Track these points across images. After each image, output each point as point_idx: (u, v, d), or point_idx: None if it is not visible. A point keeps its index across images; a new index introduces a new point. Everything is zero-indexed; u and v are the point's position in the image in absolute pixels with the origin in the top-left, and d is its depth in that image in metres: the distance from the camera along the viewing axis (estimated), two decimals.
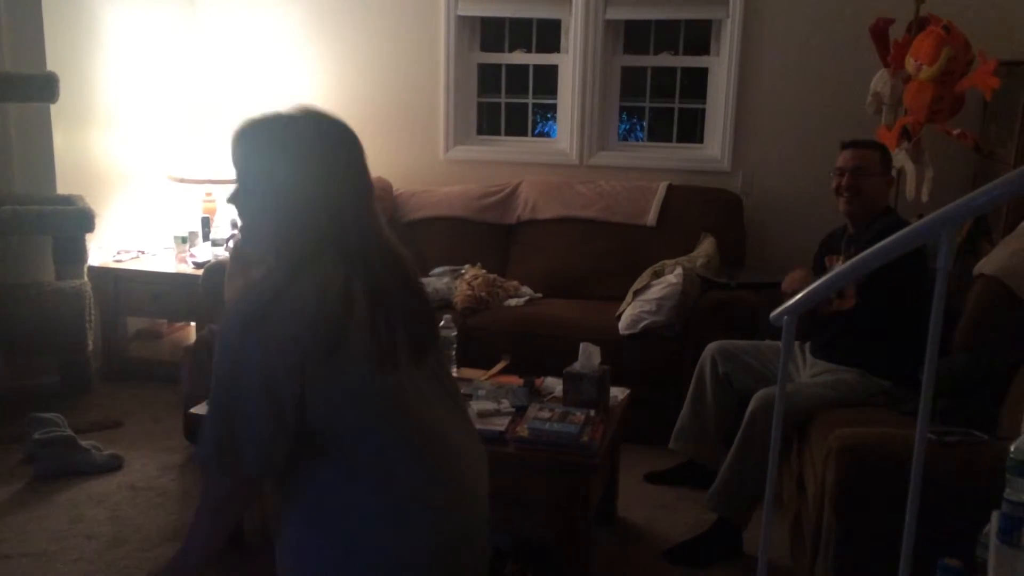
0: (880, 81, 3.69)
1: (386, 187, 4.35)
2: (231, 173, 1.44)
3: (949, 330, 2.71)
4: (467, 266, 4.08)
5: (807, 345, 3.02)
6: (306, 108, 1.42)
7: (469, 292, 3.82)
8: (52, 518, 2.94)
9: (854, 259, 1.62)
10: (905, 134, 3.60)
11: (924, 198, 3.53)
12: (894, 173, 3.60)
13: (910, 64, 3.49)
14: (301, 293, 1.31)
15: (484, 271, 4.03)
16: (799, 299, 1.80)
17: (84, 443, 3.31)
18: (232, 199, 1.43)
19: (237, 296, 1.35)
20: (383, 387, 1.36)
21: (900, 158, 3.60)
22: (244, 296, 1.38)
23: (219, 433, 1.32)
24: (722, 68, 4.30)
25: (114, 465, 3.32)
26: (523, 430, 2.48)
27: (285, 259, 1.37)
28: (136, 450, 3.46)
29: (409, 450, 1.39)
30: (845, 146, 2.94)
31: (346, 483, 1.37)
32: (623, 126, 4.86)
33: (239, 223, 1.46)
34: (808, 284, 2.91)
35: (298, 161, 1.37)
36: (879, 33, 3.63)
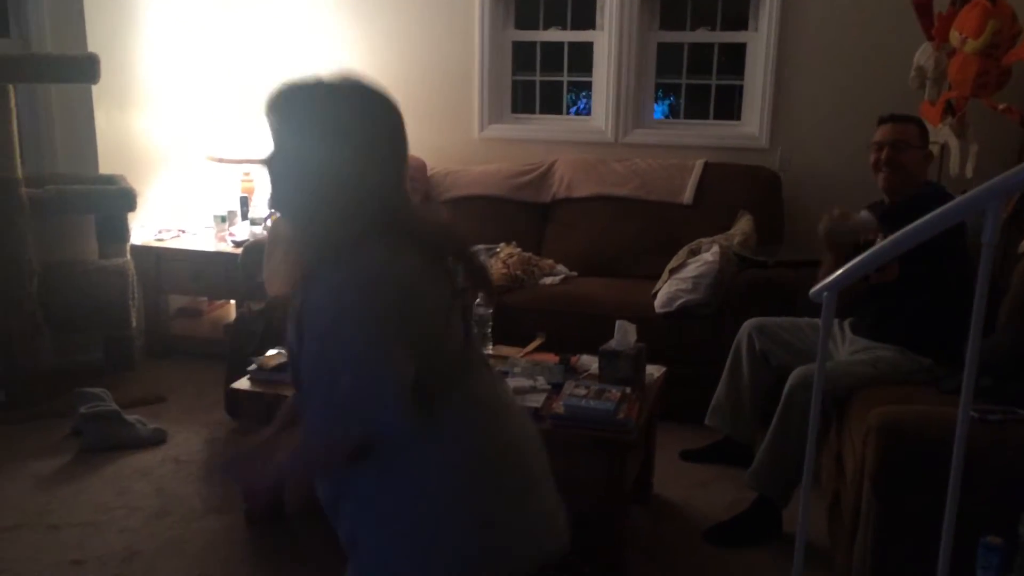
0: (923, 55, 3.62)
1: (420, 166, 4.35)
2: (268, 145, 1.41)
3: (993, 308, 2.67)
4: (502, 244, 4.09)
5: (847, 322, 2.99)
6: (348, 76, 1.37)
7: (504, 271, 3.82)
8: (98, 490, 3.01)
9: (898, 233, 1.59)
10: (949, 109, 3.53)
11: (968, 174, 3.47)
12: (938, 149, 3.55)
13: (955, 37, 3.41)
14: (380, 260, 1.31)
15: (519, 250, 4.03)
16: (839, 275, 1.78)
17: (129, 417, 3.38)
18: (267, 162, 1.40)
19: (309, 272, 1.34)
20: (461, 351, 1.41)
21: (944, 133, 3.53)
22: (325, 269, 1.33)
23: (343, 401, 1.31)
24: (760, 43, 4.24)
25: (158, 439, 3.39)
26: (559, 407, 2.49)
27: (338, 234, 1.34)
28: (179, 425, 3.53)
29: (484, 408, 1.45)
30: (883, 120, 2.91)
31: (427, 440, 1.38)
32: (665, 101, 4.82)
33: (271, 182, 1.42)
34: (846, 219, 2.88)
35: (340, 135, 1.33)
36: (923, 5, 3.56)
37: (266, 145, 1.40)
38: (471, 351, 1.49)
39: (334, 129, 1.33)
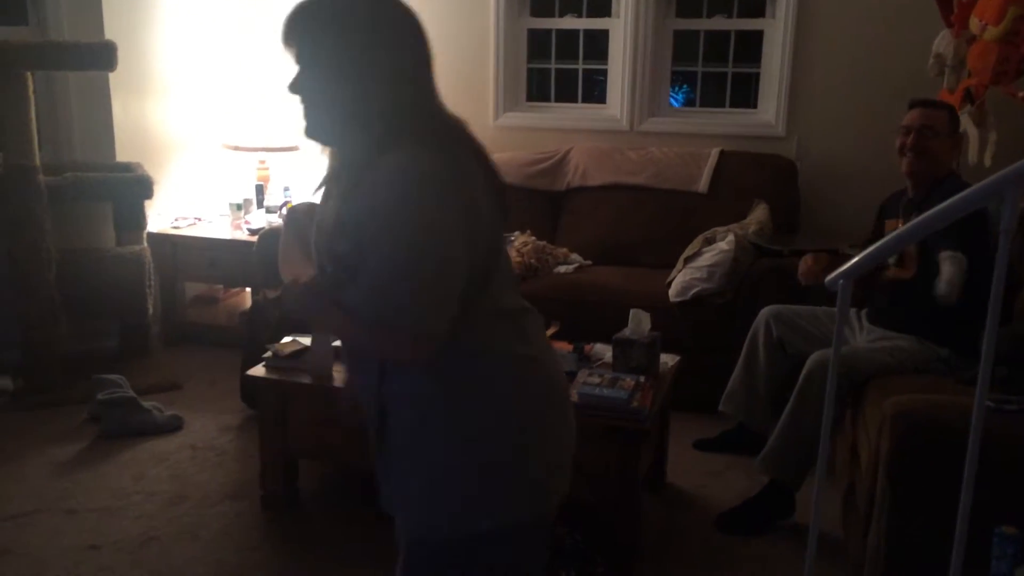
0: (942, 42, 3.58)
1: None
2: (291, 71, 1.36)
3: (1011, 297, 2.64)
4: (516, 233, 4.08)
5: (863, 312, 2.97)
6: None
7: (519, 259, 3.82)
8: (115, 476, 3.04)
9: (913, 222, 1.58)
10: (968, 97, 3.49)
11: (987, 163, 3.43)
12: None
13: (974, 24, 3.37)
14: (435, 159, 1.29)
15: (533, 238, 4.03)
16: (856, 262, 1.77)
17: (145, 404, 3.41)
18: (295, 86, 1.35)
19: (386, 167, 1.27)
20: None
21: (963, 121, 3.49)
22: (389, 165, 1.28)
23: (398, 298, 1.26)
24: (777, 31, 4.21)
25: (174, 425, 3.41)
26: (573, 395, 2.48)
27: (391, 134, 1.31)
28: (195, 411, 3.55)
29: (520, 313, 1.45)
30: (914, 104, 2.87)
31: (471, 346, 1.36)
32: (680, 92, 4.79)
33: (304, 111, 1.37)
34: (823, 268, 2.89)
35: (360, 48, 1.31)
36: None
37: (290, 72, 1.37)
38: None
39: (353, 42, 1.31)
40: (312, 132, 1.37)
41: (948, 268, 2.55)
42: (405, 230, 1.24)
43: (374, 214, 1.26)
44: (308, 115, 1.36)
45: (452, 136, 1.36)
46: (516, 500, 1.38)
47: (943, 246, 2.58)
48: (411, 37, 1.36)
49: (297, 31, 1.33)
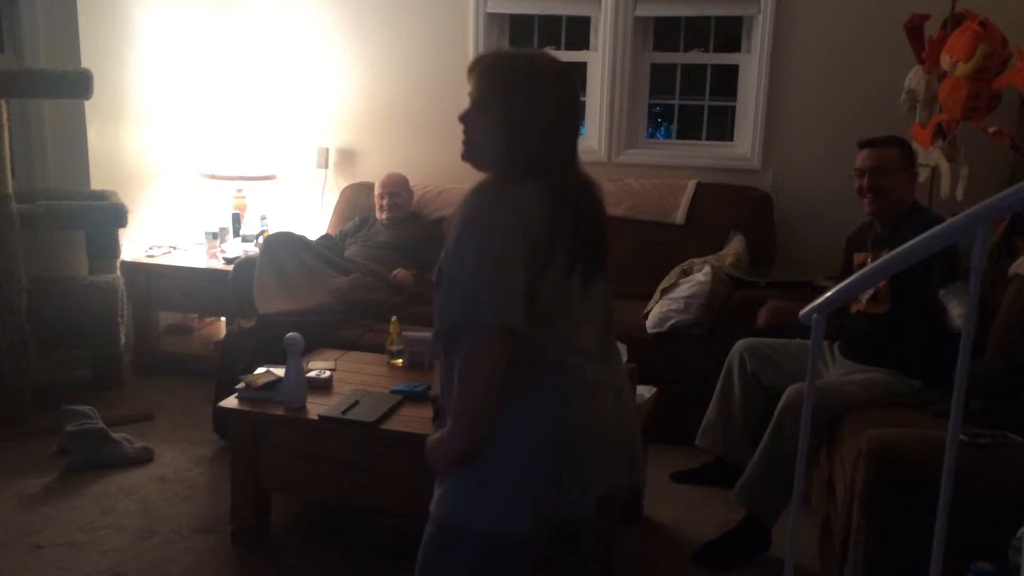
0: (914, 78, 3.64)
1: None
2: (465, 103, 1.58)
3: (984, 331, 2.66)
4: None
5: (836, 345, 2.98)
6: (541, 52, 1.64)
7: None
8: (84, 509, 2.98)
9: (886, 257, 1.59)
10: (940, 132, 3.54)
11: (959, 197, 3.47)
12: (929, 172, 3.56)
13: (945, 61, 3.43)
14: (531, 193, 1.48)
15: None
16: (828, 297, 1.77)
17: (116, 436, 3.35)
18: (465, 120, 1.59)
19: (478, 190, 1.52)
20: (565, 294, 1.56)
21: (934, 156, 3.54)
22: (479, 189, 1.50)
23: (461, 300, 1.44)
24: (753, 65, 4.26)
25: (145, 458, 3.36)
26: None
27: (508, 170, 1.53)
28: (166, 443, 3.50)
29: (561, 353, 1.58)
30: (862, 145, 2.85)
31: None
32: (662, 128, 4.83)
33: (465, 139, 1.59)
34: (782, 314, 3.01)
35: (535, 95, 1.54)
36: (914, 29, 3.58)
37: (464, 103, 1.60)
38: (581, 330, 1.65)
39: (533, 89, 1.54)
40: (467, 157, 1.61)
41: (956, 304, 2.54)
42: (471, 241, 1.44)
43: (452, 229, 1.48)
44: (467, 144, 1.60)
45: (552, 186, 1.52)
46: (545, 507, 1.50)
47: (939, 284, 2.58)
48: (556, 103, 1.57)
49: (487, 78, 1.58)
